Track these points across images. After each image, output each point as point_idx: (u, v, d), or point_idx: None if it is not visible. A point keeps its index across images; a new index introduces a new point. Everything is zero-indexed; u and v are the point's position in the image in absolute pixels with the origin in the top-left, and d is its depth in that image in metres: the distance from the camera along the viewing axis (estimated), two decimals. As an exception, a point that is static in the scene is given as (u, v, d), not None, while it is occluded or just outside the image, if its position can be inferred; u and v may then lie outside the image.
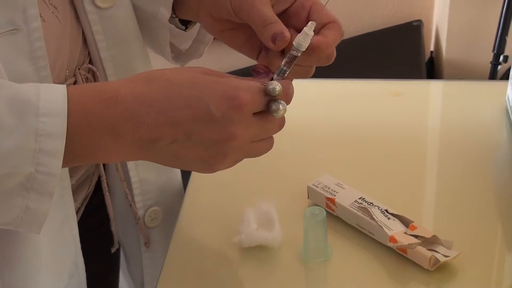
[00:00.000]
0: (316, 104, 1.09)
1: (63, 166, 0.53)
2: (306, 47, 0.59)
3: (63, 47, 0.67)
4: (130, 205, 0.81)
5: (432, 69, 2.23)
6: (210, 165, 0.57)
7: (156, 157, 0.56)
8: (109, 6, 0.70)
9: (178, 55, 0.81)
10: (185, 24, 0.76)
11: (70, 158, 0.54)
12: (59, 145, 0.52)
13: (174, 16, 0.73)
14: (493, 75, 1.97)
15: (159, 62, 0.80)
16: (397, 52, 2.13)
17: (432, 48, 2.26)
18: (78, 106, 0.53)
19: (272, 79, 0.60)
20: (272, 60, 0.63)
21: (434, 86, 1.21)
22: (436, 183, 0.92)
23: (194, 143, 0.54)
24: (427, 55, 2.24)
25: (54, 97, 0.53)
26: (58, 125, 0.52)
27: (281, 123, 0.59)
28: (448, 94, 1.15)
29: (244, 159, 0.60)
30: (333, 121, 1.05)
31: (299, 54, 0.59)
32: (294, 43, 0.59)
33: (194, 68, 0.57)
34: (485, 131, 1.00)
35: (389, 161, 0.94)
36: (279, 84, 0.56)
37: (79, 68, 0.71)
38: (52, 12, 0.64)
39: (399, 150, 0.97)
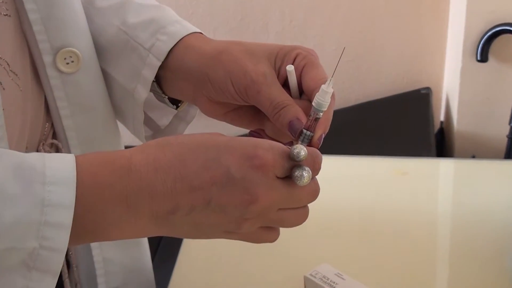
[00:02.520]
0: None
1: (70, 244, 0.53)
2: (328, 105, 0.61)
3: (24, 115, 0.68)
4: None
5: (442, 141, 2.26)
6: (230, 230, 0.57)
7: (173, 229, 0.57)
8: (73, 71, 0.72)
9: (155, 133, 0.81)
10: (177, 102, 0.77)
11: (78, 234, 0.54)
12: (67, 217, 0.52)
13: (164, 95, 0.75)
14: (510, 151, 2.01)
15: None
16: (403, 123, 2.15)
17: (442, 118, 2.29)
18: (89, 176, 0.54)
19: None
20: (281, 132, 0.65)
21: (444, 165, 1.23)
22: (447, 273, 0.94)
23: (213, 209, 0.55)
24: (437, 126, 2.27)
25: (61, 165, 0.54)
26: (66, 195, 0.52)
27: (313, 191, 0.59)
28: (459, 175, 1.17)
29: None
30: (333, 203, 1.08)
31: (321, 115, 0.61)
32: (313, 103, 0.61)
33: (208, 132, 0.58)
34: (500, 215, 1.02)
35: (394, 248, 0.97)
36: (305, 149, 0.56)
37: (43, 144, 0.72)
38: (12, 79, 0.65)
39: (406, 236, 0.99)
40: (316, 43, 2.21)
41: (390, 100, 2.26)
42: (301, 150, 0.56)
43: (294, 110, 0.63)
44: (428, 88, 2.25)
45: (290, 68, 0.64)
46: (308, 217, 0.98)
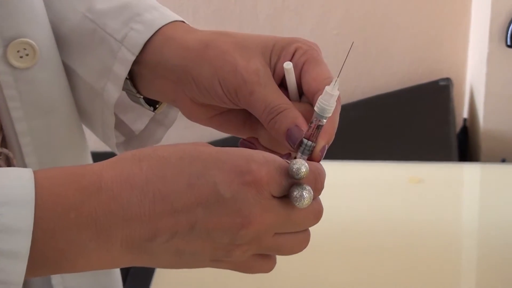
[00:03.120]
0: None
1: (27, 276, 0.53)
2: (332, 111, 0.61)
3: None
4: None
5: (465, 142, 2.27)
6: (218, 259, 0.58)
7: (151, 259, 0.57)
8: (28, 66, 0.72)
9: (129, 139, 0.82)
10: (154, 103, 0.77)
11: (37, 264, 0.54)
12: (23, 244, 0.52)
13: (139, 95, 0.75)
14: (546, 153, 2.02)
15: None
16: (418, 121, 2.17)
17: (465, 115, 2.30)
18: (50, 195, 0.54)
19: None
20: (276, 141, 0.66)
21: (468, 171, 1.25)
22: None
23: (199, 234, 0.56)
24: (459, 124, 2.28)
25: (16, 182, 0.54)
26: (22, 218, 0.52)
27: (316, 213, 0.60)
28: (487, 182, 1.19)
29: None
30: (336, 217, 1.08)
31: (325, 121, 0.61)
32: (316, 108, 0.61)
33: (193, 142, 0.59)
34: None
35: (409, 270, 0.98)
36: (306, 165, 0.57)
37: None
38: None
39: (423, 257, 1.00)
40: (313, 26, 2.21)
41: (403, 93, 2.26)
42: (301, 166, 0.57)
43: (293, 115, 0.63)
44: (448, 79, 2.26)
45: (288, 65, 0.65)
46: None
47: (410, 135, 2.10)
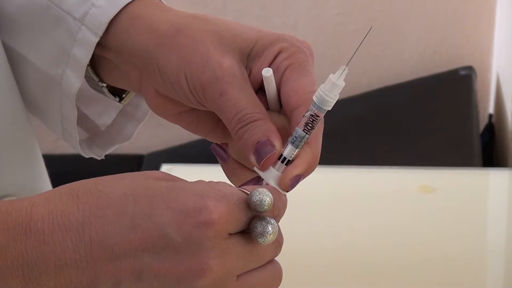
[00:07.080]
0: (307, 209, 1.11)
1: None
2: (333, 104, 0.62)
3: None
4: None
5: (491, 143, 2.28)
6: None
7: None
8: None
9: (93, 136, 0.82)
10: (120, 93, 0.77)
11: None
12: None
13: (101, 84, 0.75)
14: None
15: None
16: (433, 117, 2.17)
17: (491, 110, 2.31)
18: None
19: (283, 160, 0.63)
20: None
21: (494, 178, 1.24)
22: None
23: (148, 283, 0.57)
24: (484, 121, 2.29)
25: None
26: None
27: (277, 241, 0.60)
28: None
29: None
30: (334, 234, 1.08)
31: (323, 115, 0.62)
32: (314, 98, 0.62)
33: (140, 173, 0.60)
34: None
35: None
36: (269, 194, 0.58)
37: None
38: None
39: (437, 282, 0.99)
40: (310, 5, 2.20)
41: (416, 84, 2.28)
42: (264, 196, 0.57)
43: (267, 127, 0.64)
44: (470, 68, 2.27)
45: (267, 73, 0.65)
46: (302, 255, 0.98)
47: (423, 135, 2.11)
